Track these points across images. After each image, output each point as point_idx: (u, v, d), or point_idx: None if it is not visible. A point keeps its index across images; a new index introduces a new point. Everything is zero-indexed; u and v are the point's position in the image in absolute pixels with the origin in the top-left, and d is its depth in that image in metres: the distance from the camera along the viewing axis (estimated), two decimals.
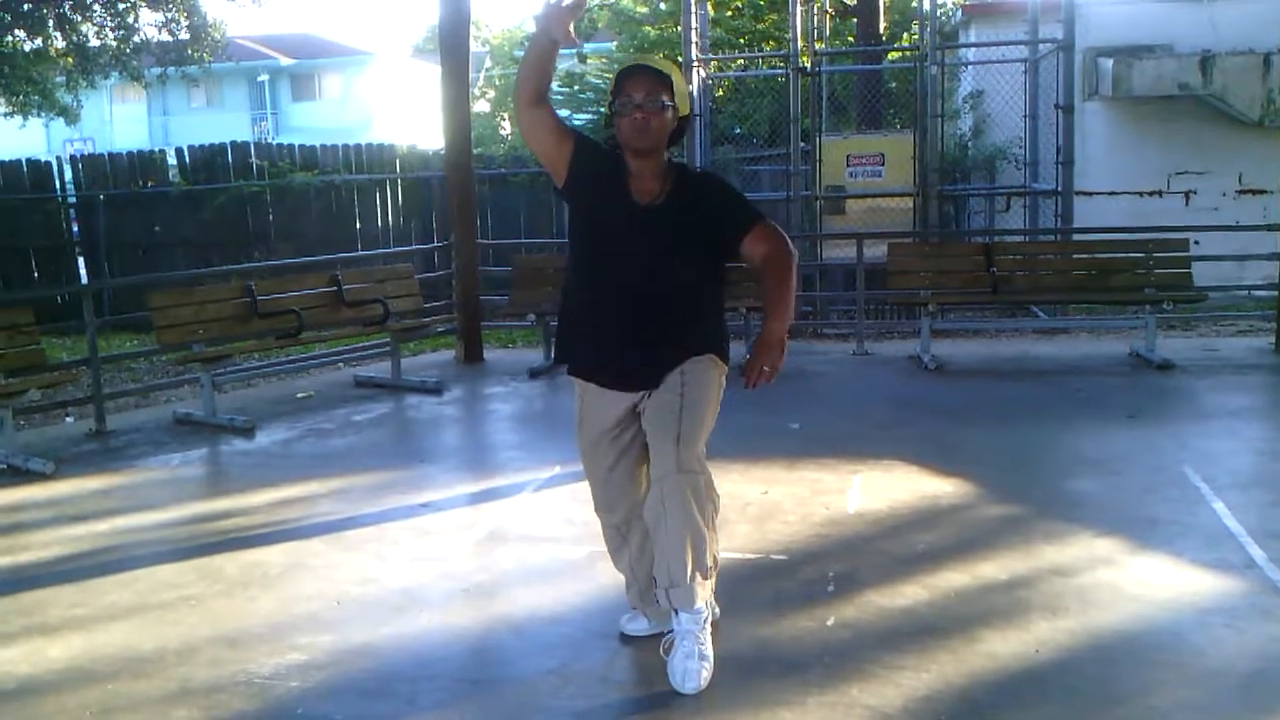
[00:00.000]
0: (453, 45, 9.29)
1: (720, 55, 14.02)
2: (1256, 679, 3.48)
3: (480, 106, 43.66)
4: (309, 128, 33.76)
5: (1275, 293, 9.52)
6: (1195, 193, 13.74)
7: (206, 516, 5.57)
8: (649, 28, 19.64)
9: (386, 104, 37.79)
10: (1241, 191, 13.59)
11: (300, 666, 3.79)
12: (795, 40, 10.99)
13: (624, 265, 3.54)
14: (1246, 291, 10.51)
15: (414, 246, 13.61)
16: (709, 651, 3.54)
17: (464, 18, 9.34)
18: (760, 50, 16.41)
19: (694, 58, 11.14)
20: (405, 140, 22.23)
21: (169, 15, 13.83)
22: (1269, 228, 9.03)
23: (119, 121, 34.25)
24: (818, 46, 11.91)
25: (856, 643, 3.81)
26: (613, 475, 3.69)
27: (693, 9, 11.17)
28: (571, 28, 3.29)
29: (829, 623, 3.98)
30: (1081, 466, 5.83)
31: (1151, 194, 13.66)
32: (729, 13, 17.35)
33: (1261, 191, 13.30)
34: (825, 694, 3.46)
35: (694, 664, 3.49)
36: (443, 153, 18.32)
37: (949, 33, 15.38)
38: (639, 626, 3.90)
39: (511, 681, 3.68)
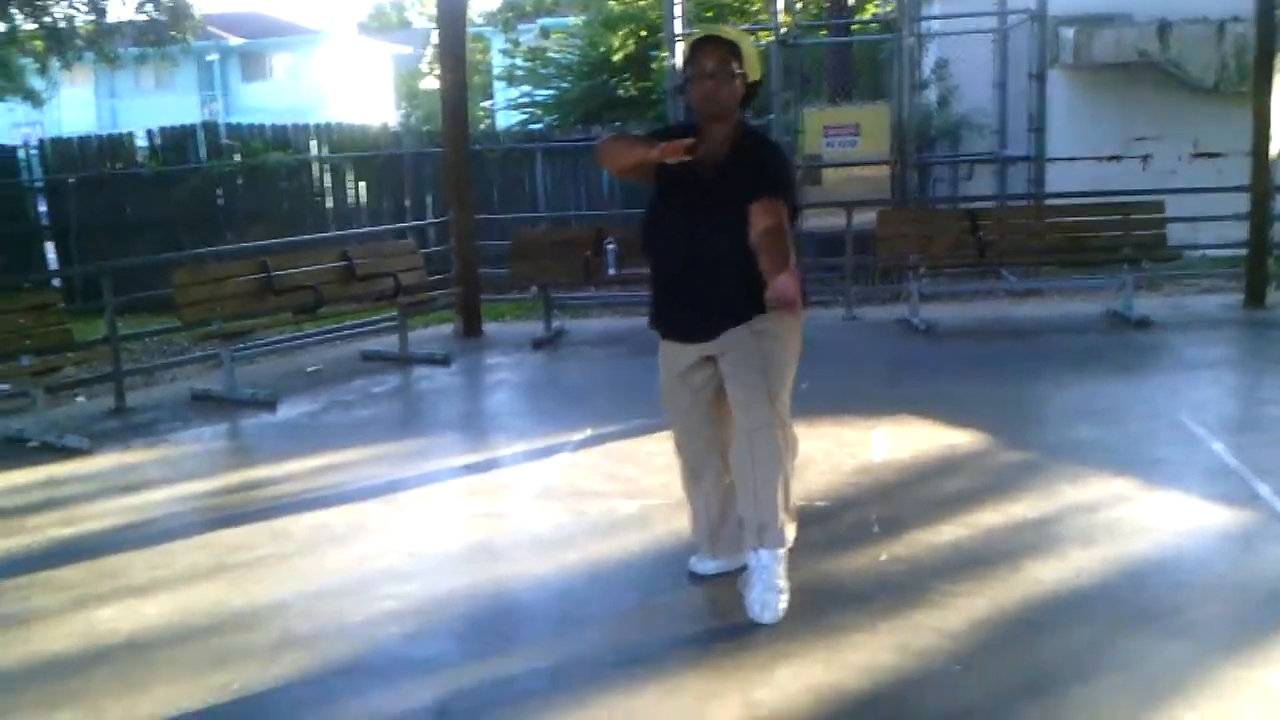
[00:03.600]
0: (450, 28, 9.43)
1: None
2: (1278, 594, 3.85)
3: (430, 83, 43.64)
4: (260, 108, 33.48)
5: (1235, 252, 10.00)
6: (1151, 157, 14.20)
7: (256, 483, 5.78)
8: (613, 2, 19.80)
9: (337, 83, 37.59)
10: (1197, 155, 14.07)
11: (394, 614, 4.04)
12: (777, 13, 11.24)
13: (682, 226, 3.81)
14: (1202, 252, 10.97)
15: (411, 223, 13.72)
16: (785, 585, 3.83)
17: (461, 5, 9.48)
18: (727, 23, 16.65)
19: (676, 32, 11.37)
20: (358, 118, 22.32)
21: None
22: (1238, 189, 9.43)
23: (66, 104, 33.77)
24: (798, 20, 12.18)
25: (911, 575, 4.13)
26: (689, 415, 3.99)
27: None
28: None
29: (882, 558, 4.31)
30: (1083, 416, 6.19)
31: (1110, 159, 14.10)
32: None
33: (1216, 155, 13.79)
34: (892, 620, 3.77)
35: (772, 596, 3.78)
36: (412, 130, 18.65)
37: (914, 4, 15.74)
38: (708, 567, 4.18)
39: (599, 620, 3.95)
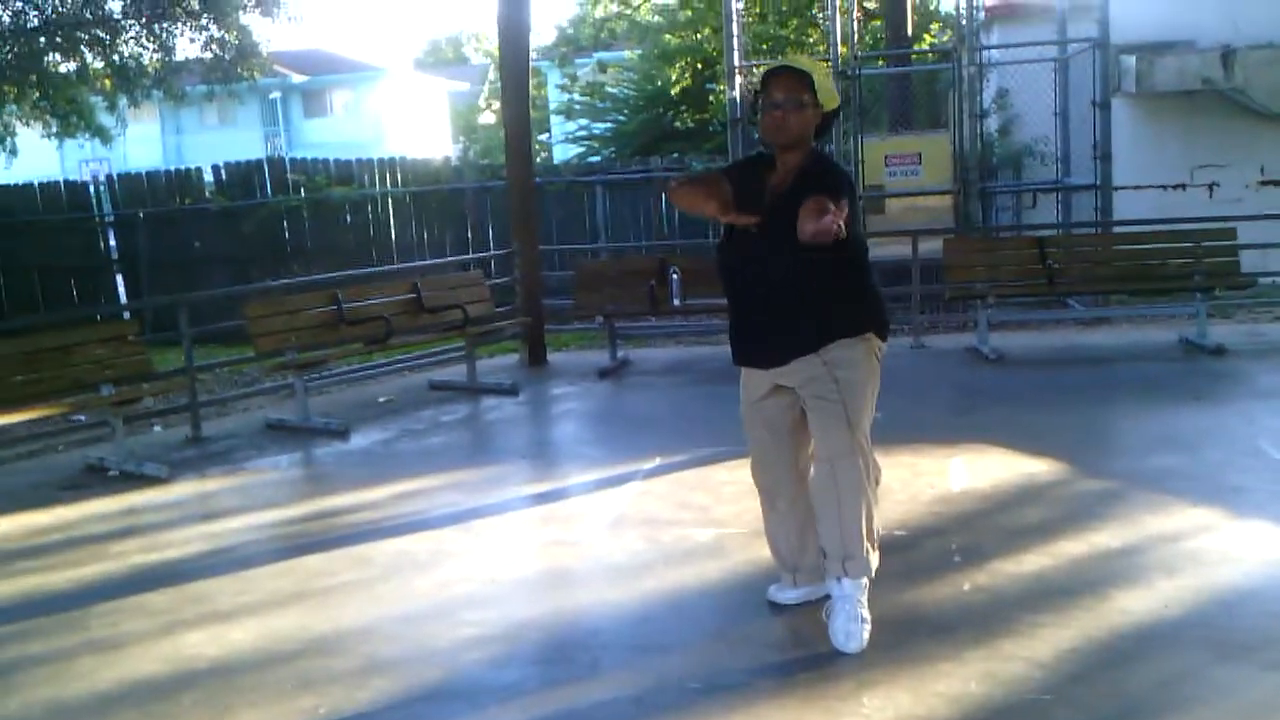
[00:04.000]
0: (512, 63, 9.55)
1: (761, 61, 14.26)
2: None
3: (486, 118, 44.15)
4: (321, 143, 34.03)
5: None
6: (1218, 185, 14.06)
7: (335, 511, 5.85)
8: (669, 36, 19.94)
9: (396, 118, 38.14)
10: (1264, 183, 13.91)
11: (477, 640, 4.07)
12: (836, 45, 11.27)
13: (749, 252, 3.86)
14: (1273, 279, 10.81)
15: (473, 255, 13.83)
16: (868, 614, 3.82)
17: (524, 38, 9.60)
18: (785, 55, 16.71)
19: (735, 65, 11.44)
20: (417, 153, 22.60)
21: (214, 35, 14.11)
22: None
23: (132, 140, 34.59)
24: (857, 51, 12.20)
25: (995, 605, 4.10)
26: (764, 441, 4.02)
27: (734, 17, 11.47)
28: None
29: (965, 588, 4.27)
30: (1160, 444, 6.12)
31: (1175, 187, 14.00)
32: (750, 20, 17.65)
33: None
34: (979, 649, 3.73)
35: (856, 625, 3.76)
36: (471, 164, 18.86)
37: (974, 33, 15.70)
38: (789, 596, 4.17)
39: (680, 647, 3.94)
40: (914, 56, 15.42)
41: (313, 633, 4.23)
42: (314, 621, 4.34)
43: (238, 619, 4.42)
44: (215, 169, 16.26)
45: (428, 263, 13.45)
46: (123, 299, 15.90)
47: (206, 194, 16.06)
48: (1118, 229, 10.35)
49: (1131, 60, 13.68)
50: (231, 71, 14.74)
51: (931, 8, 18.59)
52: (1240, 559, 4.41)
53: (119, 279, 16.22)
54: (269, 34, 42.71)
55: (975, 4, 11.31)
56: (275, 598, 4.63)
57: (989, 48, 13.10)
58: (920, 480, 5.62)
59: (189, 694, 3.79)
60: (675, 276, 8.98)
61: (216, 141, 34.15)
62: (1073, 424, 6.71)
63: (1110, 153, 11.09)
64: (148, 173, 16.68)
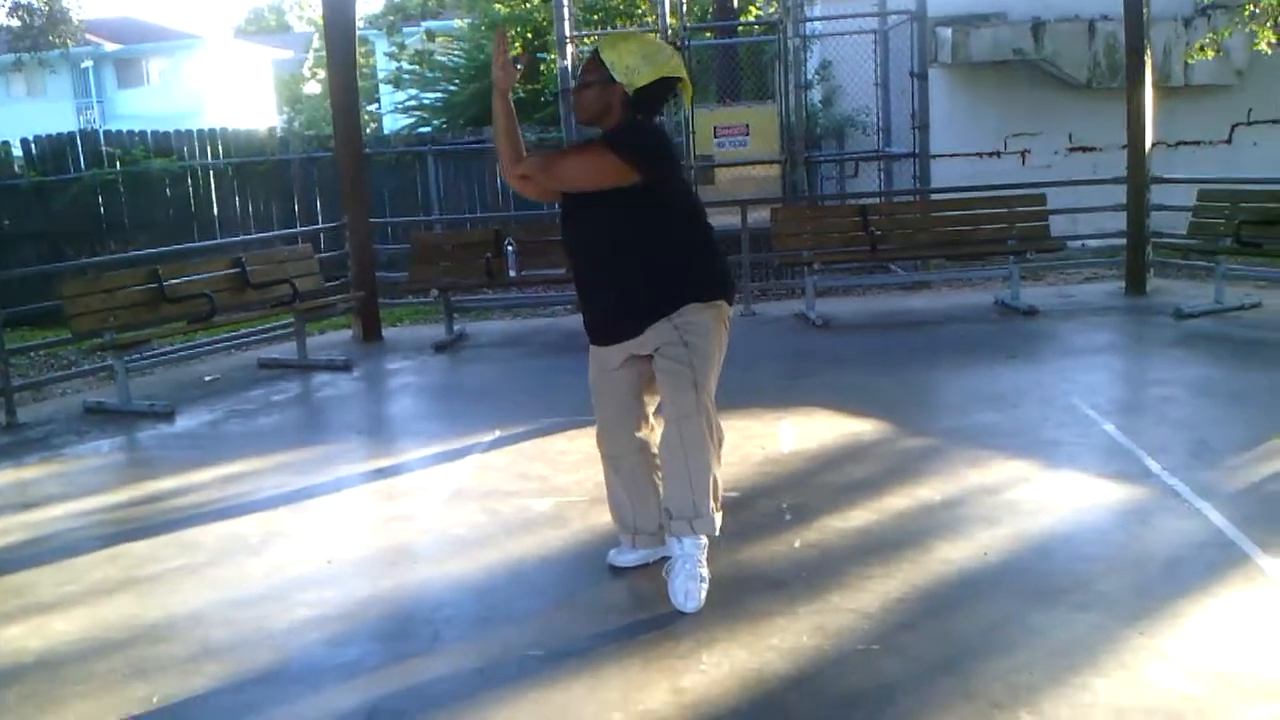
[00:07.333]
0: (338, 30, 9.34)
1: (590, 32, 14.26)
2: (1175, 563, 4.04)
3: (312, 88, 43.02)
4: (137, 114, 32.70)
5: (1112, 242, 10.43)
6: (1030, 152, 14.71)
7: (161, 495, 5.68)
8: (499, 5, 19.75)
9: (216, 88, 36.86)
10: (1072, 149, 14.62)
11: (314, 620, 4.01)
12: (664, 16, 11.36)
13: (571, 231, 4.00)
14: (1081, 243, 11.38)
15: (301, 229, 13.46)
16: (706, 573, 3.91)
17: (350, 4, 9.38)
18: (615, 27, 16.74)
19: (566, 35, 11.42)
20: (239, 123, 21.91)
21: (20, 1, 13.37)
22: (1115, 180, 9.83)
23: None
24: (687, 22, 12.31)
25: (825, 559, 4.24)
26: (612, 406, 4.06)
27: None
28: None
29: (795, 545, 4.41)
30: (980, 401, 6.40)
31: (990, 155, 14.62)
32: None
33: (1091, 149, 14.36)
34: (810, 603, 3.86)
35: (695, 584, 3.86)
36: (297, 134, 18.39)
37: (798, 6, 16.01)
38: (628, 559, 4.24)
39: (523, 616, 3.97)
40: (740, 29, 15.62)
41: (142, 620, 4.11)
42: (143, 609, 4.21)
43: (62, 609, 4.26)
44: (25, 142, 15.45)
45: (253, 236, 13.09)
46: None
47: (16, 169, 15.27)
48: (936, 196, 10.71)
49: (948, 32, 14.17)
50: (41, 39, 13.98)
51: None
52: (1055, 508, 4.65)
53: None
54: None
55: None
56: (101, 586, 4.48)
57: (812, 19, 13.37)
58: (751, 443, 5.76)
59: (14, 688, 3.65)
60: (511, 249, 8.95)
61: (25, 113, 32.38)
62: (896, 385, 6.96)
63: (928, 122, 11.46)
64: None
